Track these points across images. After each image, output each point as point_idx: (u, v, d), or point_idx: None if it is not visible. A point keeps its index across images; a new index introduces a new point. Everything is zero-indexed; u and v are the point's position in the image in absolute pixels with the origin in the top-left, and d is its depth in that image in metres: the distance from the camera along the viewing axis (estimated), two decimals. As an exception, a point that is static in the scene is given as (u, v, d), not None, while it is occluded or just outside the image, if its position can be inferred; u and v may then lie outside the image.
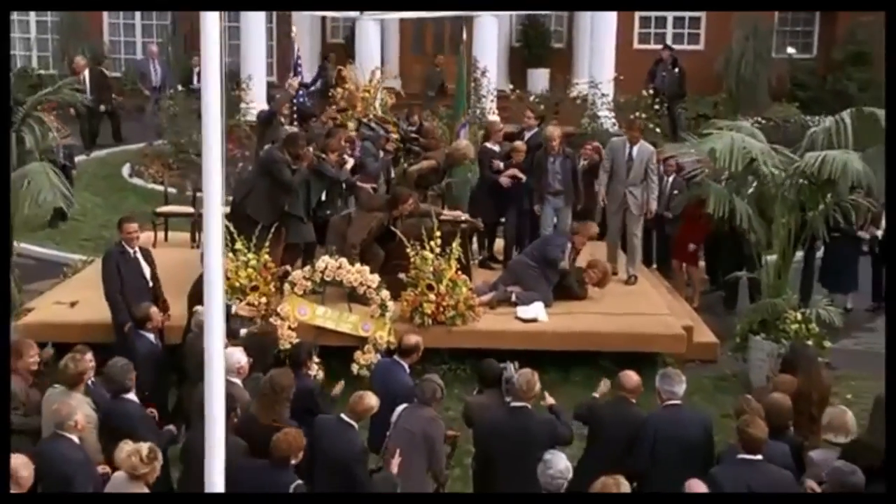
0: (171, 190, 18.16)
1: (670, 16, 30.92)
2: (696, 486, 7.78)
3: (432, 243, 12.91)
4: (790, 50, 30.67)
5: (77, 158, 21.90)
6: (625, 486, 7.46)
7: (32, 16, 31.42)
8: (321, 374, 12.06)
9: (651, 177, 14.80)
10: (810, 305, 14.71)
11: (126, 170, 23.34)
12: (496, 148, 15.60)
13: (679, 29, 30.95)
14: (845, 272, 15.82)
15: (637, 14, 30.52)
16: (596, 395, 9.84)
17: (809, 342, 12.41)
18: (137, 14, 31.52)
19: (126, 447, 8.24)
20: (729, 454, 8.41)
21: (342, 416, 8.85)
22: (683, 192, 14.82)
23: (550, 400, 9.44)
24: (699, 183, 13.95)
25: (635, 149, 14.81)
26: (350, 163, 14.13)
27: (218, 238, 6.50)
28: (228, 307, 11.10)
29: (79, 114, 23.91)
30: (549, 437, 8.76)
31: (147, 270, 12.07)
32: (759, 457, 8.08)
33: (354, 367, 12.39)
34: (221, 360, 6.73)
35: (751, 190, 13.01)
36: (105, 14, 31.37)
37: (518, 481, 8.53)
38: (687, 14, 30.80)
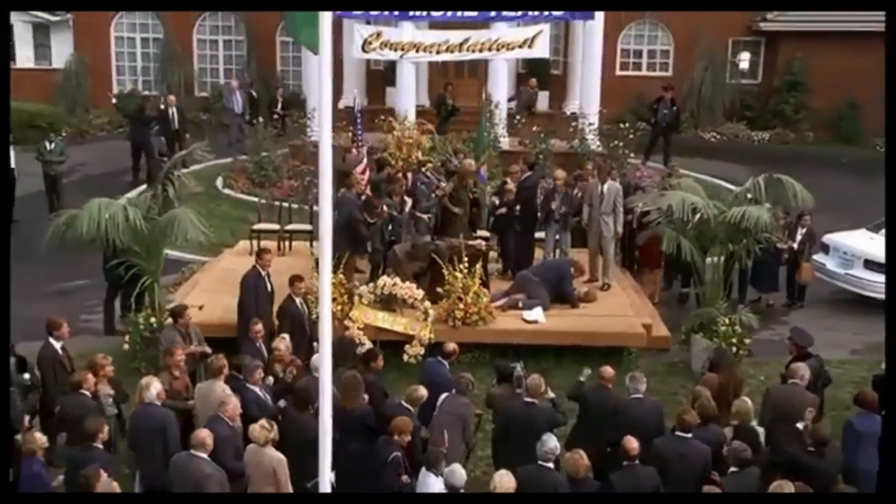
0: (284, 204, 18.37)
1: (645, 49, 31.59)
2: (631, 441, 9.09)
3: (461, 266, 14.09)
4: (744, 56, 30.90)
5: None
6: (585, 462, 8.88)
7: (138, 47, 32.14)
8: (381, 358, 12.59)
9: (618, 208, 15.86)
10: (745, 301, 16.18)
11: (220, 182, 23.77)
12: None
13: (652, 59, 31.60)
14: (768, 277, 16.84)
15: (619, 47, 31.09)
16: (581, 378, 11.10)
17: (734, 339, 13.71)
18: (220, 45, 32.14)
19: (255, 426, 9.50)
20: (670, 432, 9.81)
21: (402, 402, 10.20)
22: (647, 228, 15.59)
23: (551, 394, 10.61)
24: (658, 224, 14.81)
25: (605, 187, 15.90)
26: (409, 203, 15.28)
27: (327, 256, 7.75)
28: None
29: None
30: (548, 422, 10.10)
31: (269, 286, 13.22)
32: (689, 435, 9.48)
33: (405, 357, 13.64)
34: (329, 360, 8.07)
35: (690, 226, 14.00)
36: (195, 45, 31.99)
37: (524, 450, 9.62)
38: (658, 48, 31.52)
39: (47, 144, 21.65)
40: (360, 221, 14.31)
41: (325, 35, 7.49)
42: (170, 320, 12.45)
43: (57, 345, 11.57)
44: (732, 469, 9.12)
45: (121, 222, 13.16)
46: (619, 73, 31.06)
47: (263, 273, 13.17)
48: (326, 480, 8.26)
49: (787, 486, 8.65)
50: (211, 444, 9.13)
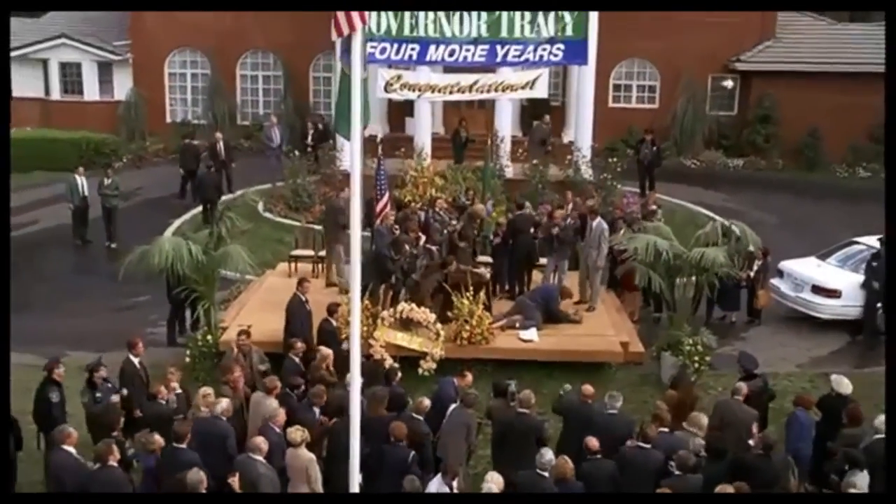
0: (318, 227, 18.93)
1: (634, 83, 32.05)
2: (592, 440, 10.15)
3: (468, 294, 14.79)
4: (727, 83, 31.60)
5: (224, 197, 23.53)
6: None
7: (188, 81, 32.89)
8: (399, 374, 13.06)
9: (602, 244, 16.41)
10: (711, 319, 16.86)
11: (261, 206, 24.12)
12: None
13: (641, 93, 32.07)
14: (731, 300, 17.28)
15: (612, 81, 31.56)
16: (562, 392, 12.01)
17: (697, 357, 14.42)
18: (260, 80, 32.85)
19: (291, 429, 10.24)
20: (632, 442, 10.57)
21: (412, 414, 11.11)
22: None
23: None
24: (632, 260, 15.40)
25: (594, 223, 16.52)
26: (423, 238, 16.07)
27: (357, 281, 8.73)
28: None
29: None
30: (537, 432, 10.91)
31: (309, 310, 14.16)
32: (648, 445, 10.29)
33: (419, 370, 14.27)
34: (358, 373, 9.06)
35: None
36: (238, 80, 32.76)
37: (517, 452, 10.53)
38: (646, 83, 32.00)
39: (105, 180, 21.98)
40: (388, 258, 15.07)
41: (355, 120, 8.75)
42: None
43: (135, 360, 12.48)
44: (677, 473, 9.92)
45: (185, 256, 14.09)
46: (611, 105, 31.55)
47: (304, 298, 14.12)
48: (355, 481, 9.29)
49: (728, 489, 9.46)
50: (265, 449, 9.94)
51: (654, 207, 20.42)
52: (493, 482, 9.65)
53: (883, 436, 10.67)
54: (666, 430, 10.81)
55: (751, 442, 10.82)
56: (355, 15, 8.92)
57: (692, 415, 11.20)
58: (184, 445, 10.10)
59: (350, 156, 9.06)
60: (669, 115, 31.03)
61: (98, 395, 11.77)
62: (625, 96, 32.27)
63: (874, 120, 29.30)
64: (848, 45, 31.24)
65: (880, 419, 10.92)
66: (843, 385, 11.84)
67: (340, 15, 8.95)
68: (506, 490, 9.74)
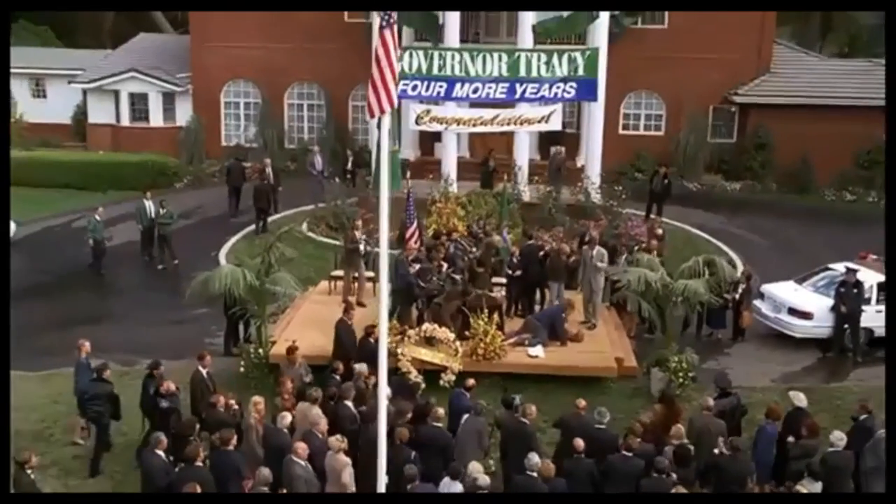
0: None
1: (643, 113, 32.60)
2: (578, 441, 11.04)
3: (483, 315, 15.56)
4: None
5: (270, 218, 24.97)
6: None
7: (241, 109, 33.83)
8: (423, 385, 14.51)
9: (601, 269, 17.16)
10: (700, 336, 17.59)
11: (304, 226, 24.91)
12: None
13: (648, 121, 32.58)
14: (718, 319, 17.88)
15: (622, 111, 32.15)
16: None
17: (682, 373, 15.12)
18: (305, 108, 33.73)
19: (332, 438, 11.05)
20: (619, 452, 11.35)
21: (434, 423, 11.85)
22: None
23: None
24: (625, 290, 16.28)
25: (594, 252, 17.23)
26: (446, 266, 16.78)
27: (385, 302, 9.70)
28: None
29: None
30: (533, 439, 11.82)
31: (354, 331, 14.90)
32: (631, 454, 11.13)
33: (441, 382, 14.92)
34: (385, 385, 9.90)
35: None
36: (286, 108, 33.62)
37: (519, 456, 11.12)
38: (653, 112, 32.52)
39: (160, 210, 22.51)
40: (415, 285, 16.00)
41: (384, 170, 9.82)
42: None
43: (203, 371, 13.47)
44: (654, 475, 10.83)
45: (240, 281, 15.10)
46: (621, 132, 32.17)
47: (350, 322, 14.98)
48: (382, 482, 10.19)
49: (682, 489, 10.47)
50: (305, 454, 10.82)
51: (660, 231, 21.32)
52: (472, 469, 10.78)
53: (838, 449, 11.49)
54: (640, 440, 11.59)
55: (716, 451, 11.70)
56: (385, 100, 10.05)
57: (674, 427, 11.97)
58: (230, 447, 11.01)
59: (380, 210, 10.05)
60: (673, 142, 31.56)
61: (165, 404, 12.69)
62: (633, 124, 32.79)
63: (859, 148, 30.25)
64: (837, 80, 31.81)
65: (836, 434, 11.73)
66: (800, 399, 12.65)
67: (373, 98, 10.09)
68: (507, 488, 10.71)
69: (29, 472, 10.87)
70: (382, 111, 10.08)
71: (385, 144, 10.29)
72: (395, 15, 9.92)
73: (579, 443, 11.22)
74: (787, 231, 26.41)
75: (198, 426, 11.89)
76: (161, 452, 11.11)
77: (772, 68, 31.84)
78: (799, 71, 32.29)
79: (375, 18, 10.91)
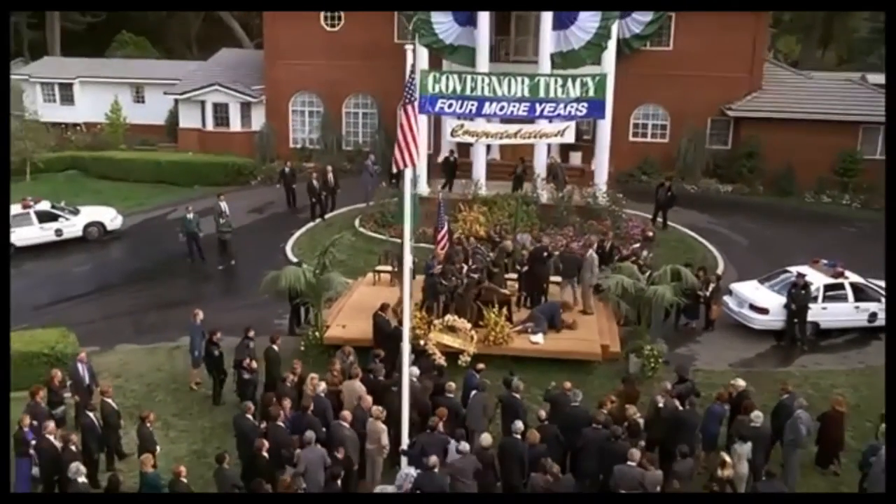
0: (395, 240, 19.79)
1: (650, 122, 33.20)
2: (541, 413, 12.52)
3: (494, 308, 16.93)
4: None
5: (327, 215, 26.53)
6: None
7: (306, 117, 35.11)
8: (445, 363, 15.62)
9: (594, 270, 18.36)
10: (678, 326, 18.66)
11: (357, 222, 26.11)
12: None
13: (654, 130, 33.22)
14: (692, 311, 18.82)
15: (632, 121, 32.81)
16: (549, 387, 14.07)
17: (653, 358, 16.25)
18: (360, 116, 34.85)
19: (376, 409, 12.54)
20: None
21: (448, 395, 13.55)
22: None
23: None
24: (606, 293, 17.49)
25: (589, 253, 18.61)
26: (465, 267, 17.90)
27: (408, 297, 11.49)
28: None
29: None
30: (521, 410, 13.22)
31: (391, 324, 15.83)
32: (600, 426, 12.45)
33: (459, 362, 15.96)
34: (408, 363, 11.69)
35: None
36: (343, 116, 34.78)
37: (510, 422, 12.47)
38: (659, 122, 33.10)
39: (220, 220, 23.22)
40: (438, 283, 17.63)
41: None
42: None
43: (275, 348, 15.17)
44: (613, 439, 12.28)
45: (301, 279, 16.84)
46: (630, 139, 33.07)
47: (386, 318, 16.27)
48: (405, 440, 11.84)
49: (635, 451, 11.69)
50: (350, 419, 12.46)
51: (650, 234, 22.69)
52: (483, 439, 12.37)
53: (757, 425, 12.80)
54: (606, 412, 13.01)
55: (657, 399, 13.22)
56: (407, 158, 11.85)
57: (630, 408, 13.27)
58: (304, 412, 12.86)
59: (403, 253, 11.89)
60: (677, 149, 32.37)
61: (247, 376, 14.68)
62: (641, 132, 33.54)
63: (836, 157, 31.08)
64: (820, 97, 32.37)
65: (755, 413, 12.85)
66: (739, 383, 14.09)
67: (398, 155, 11.89)
68: (495, 443, 12.32)
69: (148, 425, 12.85)
70: (406, 166, 11.94)
71: (408, 190, 12.12)
72: (416, 93, 11.72)
73: (541, 413, 12.70)
74: (766, 231, 27.10)
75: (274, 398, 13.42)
76: (250, 416, 12.89)
77: (763, 86, 32.37)
78: (787, 88, 32.77)
79: (409, 46, 13.18)
